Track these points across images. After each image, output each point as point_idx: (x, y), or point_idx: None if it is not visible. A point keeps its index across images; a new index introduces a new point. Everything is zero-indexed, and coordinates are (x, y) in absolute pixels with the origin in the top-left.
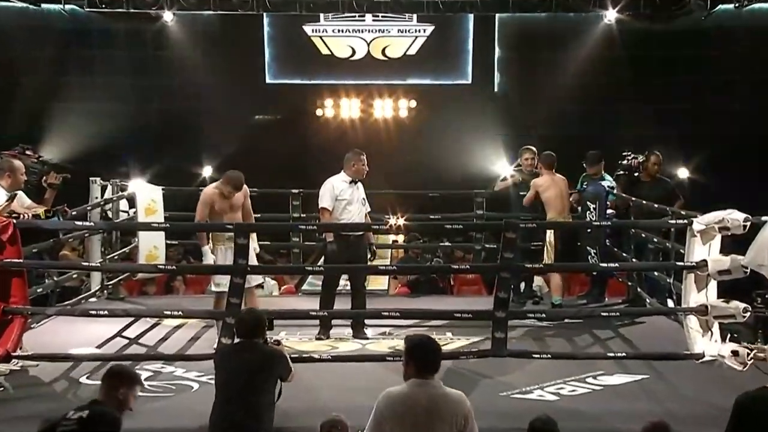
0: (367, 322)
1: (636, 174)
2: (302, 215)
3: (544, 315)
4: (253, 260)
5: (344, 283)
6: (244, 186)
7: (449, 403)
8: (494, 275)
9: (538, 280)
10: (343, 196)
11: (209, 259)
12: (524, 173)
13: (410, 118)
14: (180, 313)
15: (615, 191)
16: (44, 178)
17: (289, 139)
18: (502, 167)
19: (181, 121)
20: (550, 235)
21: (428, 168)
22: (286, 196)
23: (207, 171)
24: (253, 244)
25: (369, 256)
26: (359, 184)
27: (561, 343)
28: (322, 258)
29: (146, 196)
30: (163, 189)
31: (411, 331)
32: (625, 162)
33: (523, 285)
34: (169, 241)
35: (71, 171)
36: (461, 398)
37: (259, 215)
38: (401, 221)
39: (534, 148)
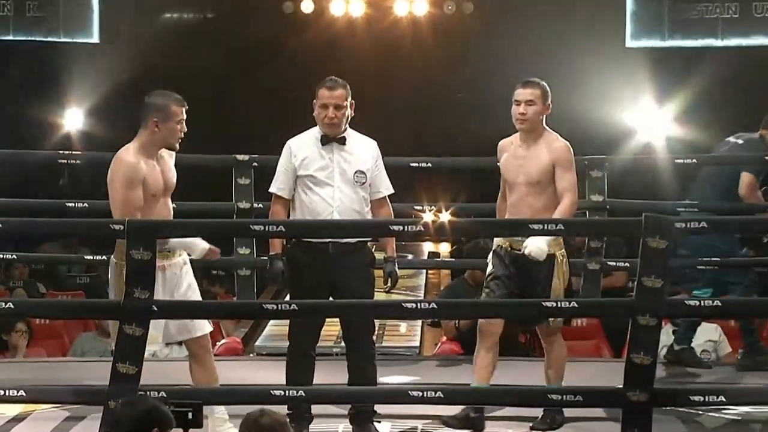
0: (379, 409)
1: None
2: (256, 205)
3: (722, 398)
4: (186, 283)
5: (332, 331)
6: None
7: None
8: (625, 320)
9: (709, 331)
10: (307, 170)
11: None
12: None
13: (461, 20)
14: (22, 393)
15: None
16: None
17: (229, 57)
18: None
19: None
20: None
21: (498, 117)
22: (227, 170)
23: (72, 119)
24: (199, 253)
25: (387, 283)
26: (354, 144)
27: None
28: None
29: None
30: None
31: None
32: None
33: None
34: (0, 254)
35: None
36: None
37: (175, 205)
38: (444, 216)
39: None
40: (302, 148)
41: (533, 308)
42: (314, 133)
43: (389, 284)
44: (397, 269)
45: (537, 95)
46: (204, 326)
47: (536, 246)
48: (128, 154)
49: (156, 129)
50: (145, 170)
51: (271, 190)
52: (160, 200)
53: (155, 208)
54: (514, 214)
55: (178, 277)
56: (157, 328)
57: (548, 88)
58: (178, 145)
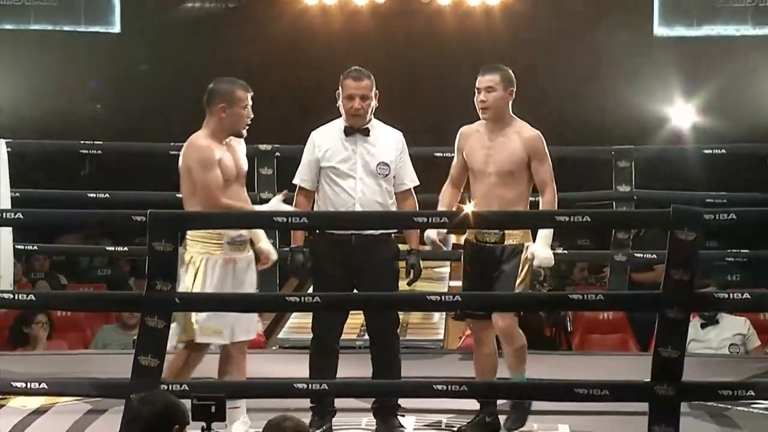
0: (403, 403)
1: None
2: (278, 195)
3: (751, 392)
4: (249, 281)
5: (356, 324)
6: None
7: None
8: (652, 314)
9: (738, 325)
10: (330, 161)
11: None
12: None
13: (486, 9)
14: (44, 386)
15: None
16: None
17: (251, 49)
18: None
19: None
20: None
21: (522, 107)
22: (249, 160)
23: (94, 109)
24: (265, 245)
25: (411, 275)
26: (378, 136)
27: None
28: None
29: None
30: (8, 143)
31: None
32: None
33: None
34: (22, 246)
35: None
36: None
37: None
38: (468, 207)
39: None
40: (325, 140)
41: (561, 300)
42: (338, 124)
43: (411, 276)
44: (420, 262)
45: (497, 81)
46: (251, 331)
47: (543, 257)
48: (199, 138)
49: (223, 115)
50: (218, 154)
51: (295, 181)
52: (233, 186)
53: (228, 194)
54: (482, 207)
55: (244, 272)
56: (224, 324)
57: (511, 74)
58: (245, 132)
